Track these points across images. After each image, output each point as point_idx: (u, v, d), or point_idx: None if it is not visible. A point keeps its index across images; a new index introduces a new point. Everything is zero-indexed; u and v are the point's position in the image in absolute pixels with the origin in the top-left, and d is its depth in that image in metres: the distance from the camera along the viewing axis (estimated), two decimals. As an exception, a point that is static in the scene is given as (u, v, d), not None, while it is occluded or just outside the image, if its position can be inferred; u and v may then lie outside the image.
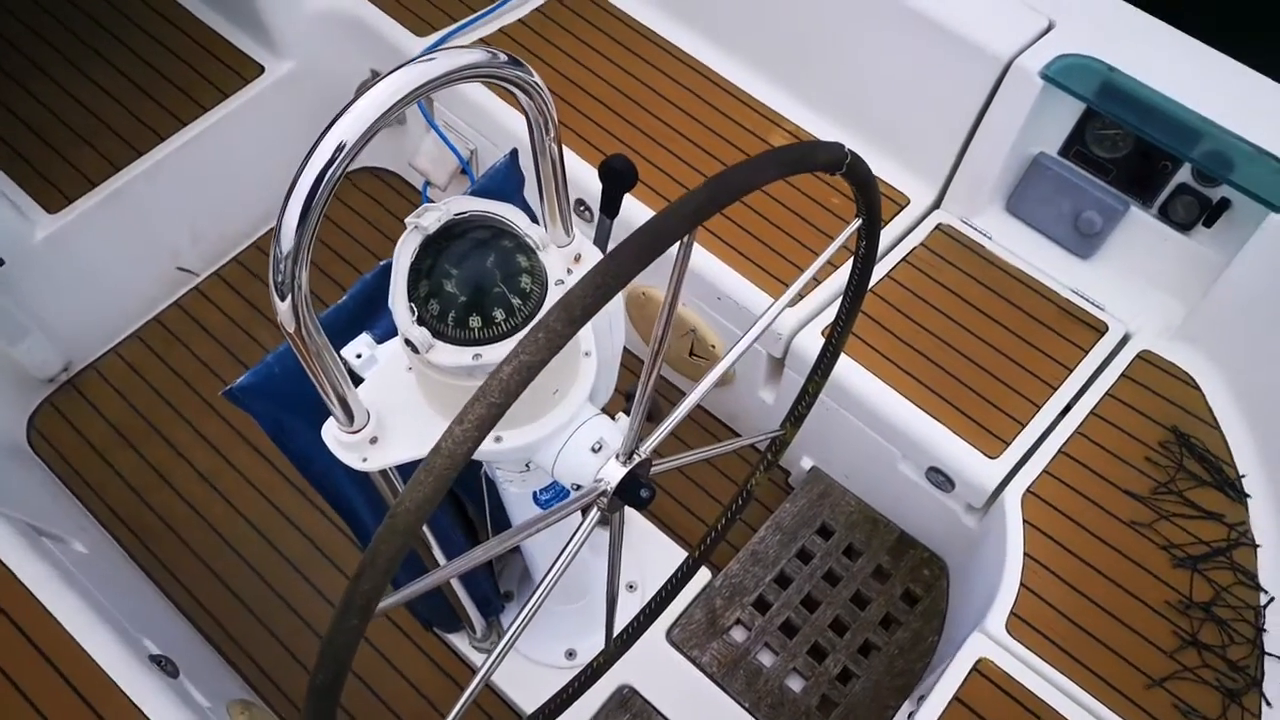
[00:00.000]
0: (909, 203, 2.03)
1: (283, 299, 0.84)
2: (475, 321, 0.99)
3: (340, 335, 1.26)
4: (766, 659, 1.88)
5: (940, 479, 1.77)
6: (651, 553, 2.00)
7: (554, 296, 1.02)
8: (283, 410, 1.23)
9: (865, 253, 1.17)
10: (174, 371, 2.35)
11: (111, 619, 1.60)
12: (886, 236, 1.99)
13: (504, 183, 1.37)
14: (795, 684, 1.85)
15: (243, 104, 2.31)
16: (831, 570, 1.96)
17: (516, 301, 1.01)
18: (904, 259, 1.95)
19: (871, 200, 1.07)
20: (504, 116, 2.12)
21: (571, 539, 1.02)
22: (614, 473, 1.05)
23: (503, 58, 0.90)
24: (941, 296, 1.90)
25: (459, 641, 1.93)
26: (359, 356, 1.23)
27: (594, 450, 1.10)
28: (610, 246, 1.39)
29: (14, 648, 1.52)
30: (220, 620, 2.04)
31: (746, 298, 1.88)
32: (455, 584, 1.67)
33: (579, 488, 1.11)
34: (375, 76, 0.84)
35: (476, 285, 1.00)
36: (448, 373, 1.00)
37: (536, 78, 0.95)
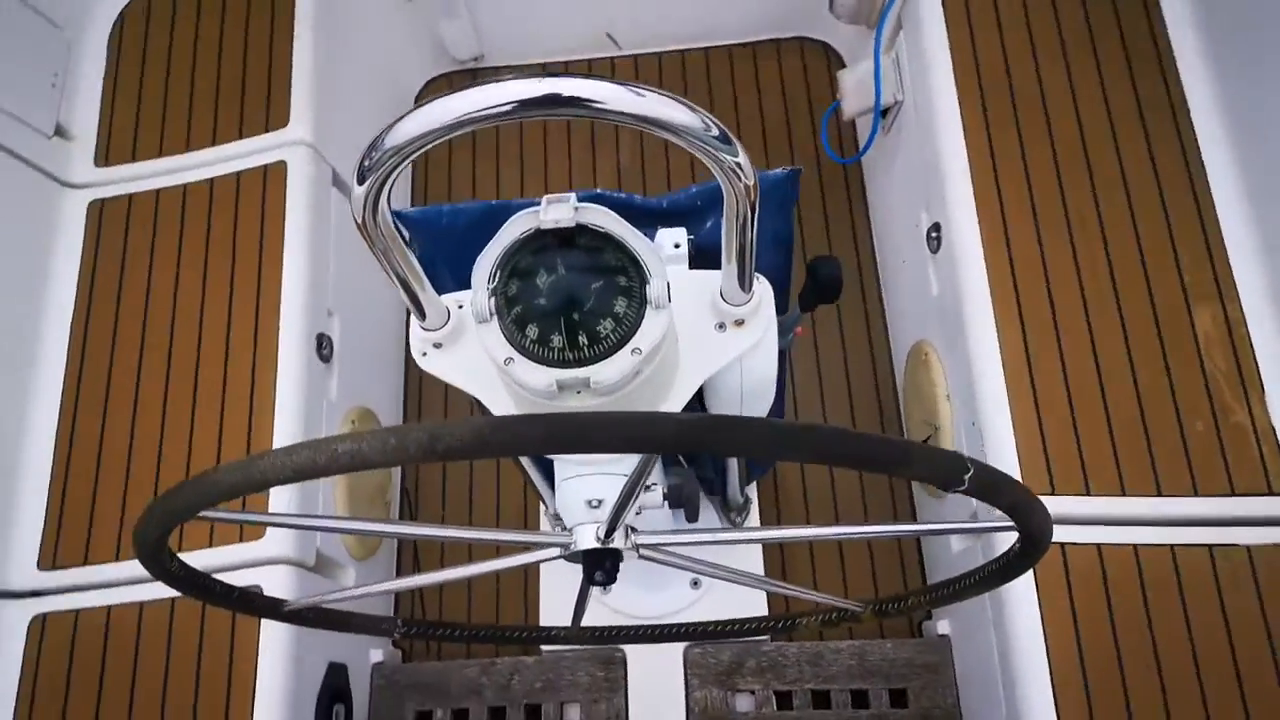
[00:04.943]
0: None
1: (360, 182, 0.73)
2: (532, 331, 0.90)
3: None
4: (746, 746, 1.75)
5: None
6: (740, 564, 1.87)
7: (618, 360, 0.89)
8: (436, 255, 1.25)
9: (1008, 563, 0.90)
10: (546, 116, 2.47)
11: (320, 280, 1.82)
12: (1235, 505, 1.50)
13: (770, 190, 1.18)
14: (746, 790, 1.72)
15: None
16: (871, 736, 1.73)
17: (583, 339, 0.90)
18: (1223, 547, 1.48)
19: (1030, 530, 0.80)
20: (940, 81, 1.79)
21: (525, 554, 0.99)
22: (584, 539, 0.96)
23: (715, 132, 0.73)
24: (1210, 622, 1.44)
25: None
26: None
27: (590, 505, 1.01)
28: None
29: (247, 250, 1.80)
30: None
31: (1004, 465, 1.54)
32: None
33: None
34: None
35: (565, 299, 0.89)
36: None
37: (741, 159, 0.76)
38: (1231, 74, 1.73)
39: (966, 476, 0.68)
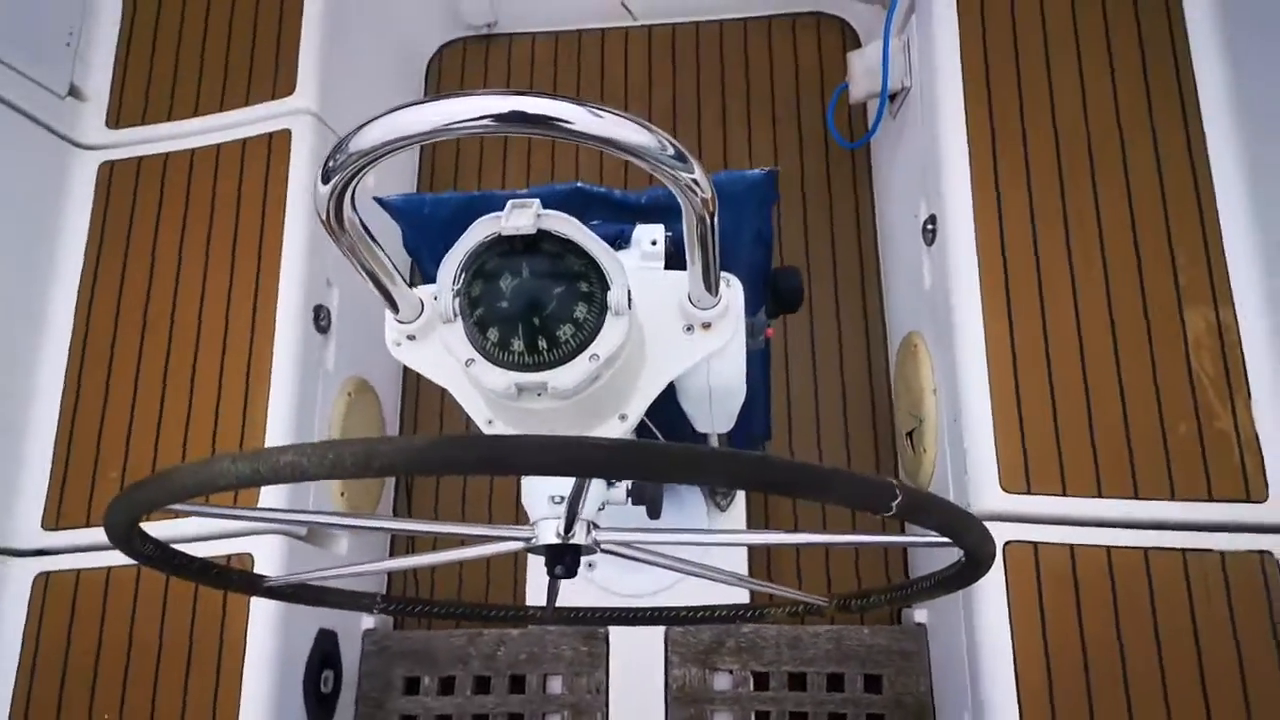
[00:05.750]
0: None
1: (325, 182, 0.75)
2: (493, 334, 0.91)
3: None
4: (721, 723, 1.80)
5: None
6: (718, 557, 1.90)
7: (576, 365, 0.91)
8: (419, 242, 1.26)
9: (958, 573, 0.92)
10: (555, 86, 2.46)
11: (320, 250, 1.84)
12: (1212, 510, 1.51)
13: (746, 192, 1.18)
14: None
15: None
16: None
17: (542, 343, 0.91)
18: (1197, 552, 1.48)
19: (966, 546, 0.82)
20: (946, 69, 1.77)
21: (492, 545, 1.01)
22: (545, 534, 0.99)
23: (670, 151, 0.74)
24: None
25: None
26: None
27: (553, 501, 1.03)
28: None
29: (250, 217, 1.83)
30: None
31: (982, 463, 1.55)
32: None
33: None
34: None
35: (526, 303, 0.91)
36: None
37: (697, 175, 0.77)
38: (1248, 78, 1.70)
39: (894, 503, 0.70)
